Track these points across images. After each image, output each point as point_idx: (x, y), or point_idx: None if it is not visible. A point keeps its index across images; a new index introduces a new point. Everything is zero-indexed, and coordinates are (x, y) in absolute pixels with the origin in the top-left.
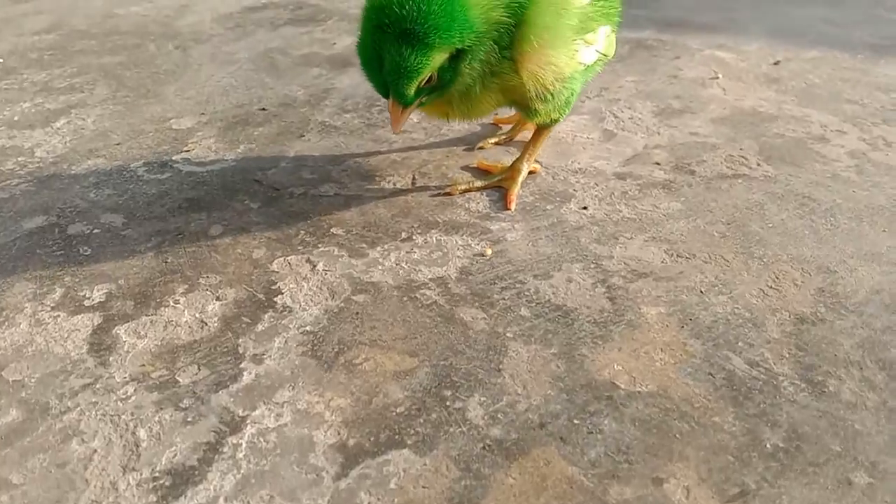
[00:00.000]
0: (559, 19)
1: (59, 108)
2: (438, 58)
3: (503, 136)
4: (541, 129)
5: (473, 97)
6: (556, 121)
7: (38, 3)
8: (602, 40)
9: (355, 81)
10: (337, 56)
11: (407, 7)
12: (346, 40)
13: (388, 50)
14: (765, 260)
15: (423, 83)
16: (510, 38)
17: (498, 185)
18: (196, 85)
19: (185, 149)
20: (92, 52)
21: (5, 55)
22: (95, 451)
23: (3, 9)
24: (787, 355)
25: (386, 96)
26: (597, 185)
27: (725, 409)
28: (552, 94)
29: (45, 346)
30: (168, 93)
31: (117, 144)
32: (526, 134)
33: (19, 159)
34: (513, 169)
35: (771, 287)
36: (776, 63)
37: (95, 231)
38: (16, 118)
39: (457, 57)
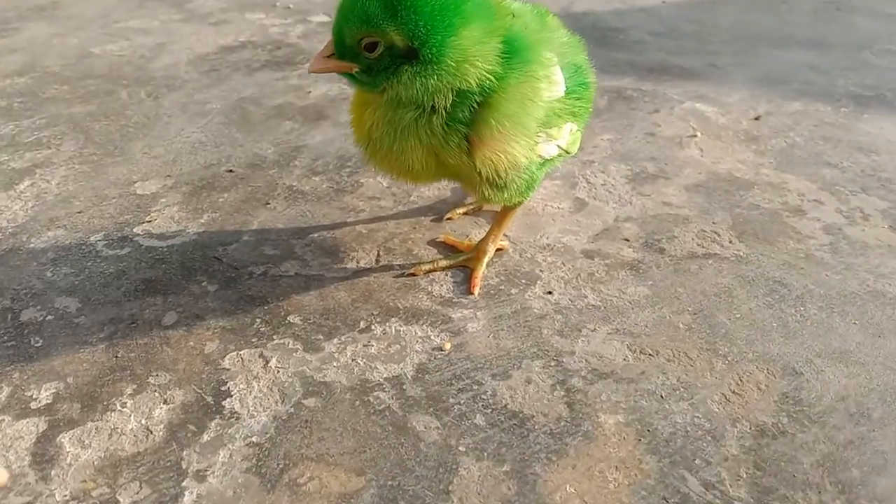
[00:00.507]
0: (525, 110)
1: (25, 167)
2: (396, 35)
3: (472, 206)
4: (507, 209)
5: (404, 148)
6: (520, 203)
7: (12, 40)
8: (566, 136)
9: (327, 137)
10: (310, 107)
11: None
12: (322, 88)
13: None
14: (729, 358)
15: (366, 46)
16: (469, 114)
17: (463, 264)
18: (165, 141)
19: (148, 219)
20: (63, 99)
21: None
22: None
23: None
24: (745, 475)
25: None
26: (564, 264)
27: None
28: (504, 183)
29: None
30: (135, 150)
31: (79, 212)
32: (495, 205)
33: None
34: (478, 250)
35: (734, 392)
36: (757, 118)
37: (49, 318)
38: None
39: (408, 58)
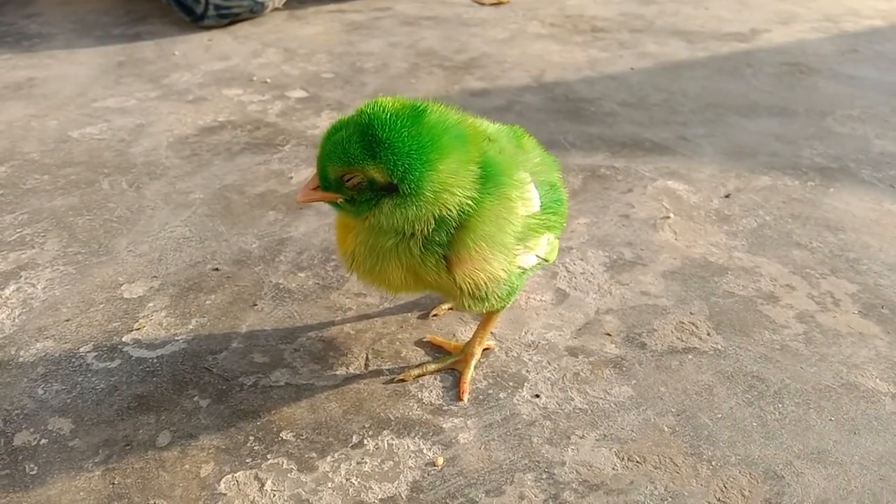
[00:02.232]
0: (501, 229)
1: (9, 269)
2: (376, 172)
3: None
4: (491, 313)
5: (385, 268)
6: (502, 308)
7: None
8: (544, 247)
9: (311, 228)
10: (293, 195)
11: (390, 122)
12: (303, 173)
13: (347, 133)
14: (713, 463)
15: (348, 180)
16: (446, 237)
17: (452, 367)
18: (149, 237)
19: (136, 326)
20: (44, 191)
21: None
22: None
23: None
24: None
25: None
26: (549, 363)
27: None
28: (485, 294)
29: None
30: (120, 248)
31: (67, 321)
32: None
33: None
34: (465, 353)
35: (719, 500)
36: (727, 196)
37: (42, 441)
38: None
39: (388, 190)
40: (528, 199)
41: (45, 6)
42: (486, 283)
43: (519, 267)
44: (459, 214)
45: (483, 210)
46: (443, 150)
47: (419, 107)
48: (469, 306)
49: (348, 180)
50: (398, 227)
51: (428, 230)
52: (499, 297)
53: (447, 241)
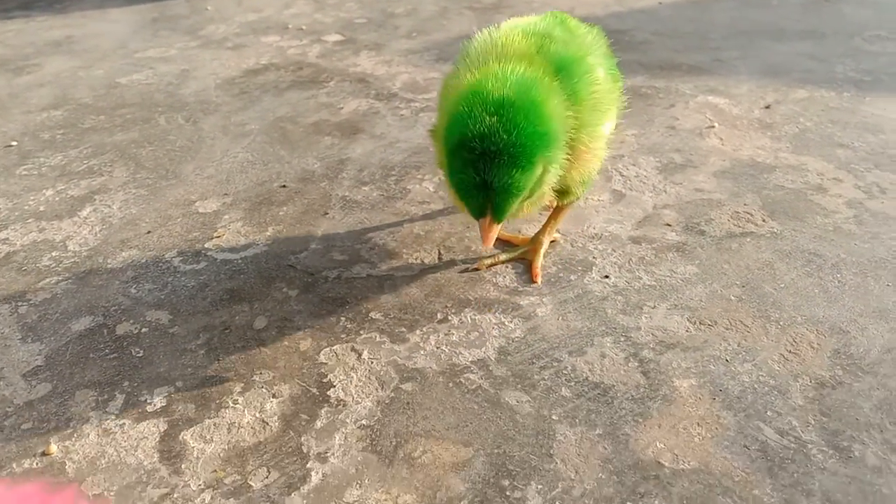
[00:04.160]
0: (597, 117)
1: (83, 194)
2: (539, 172)
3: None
4: (562, 207)
5: (535, 197)
6: (577, 199)
7: (38, 76)
8: (614, 119)
9: (367, 150)
10: (346, 122)
11: (514, 132)
12: (352, 104)
13: (497, 174)
14: (781, 323)
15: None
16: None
17: (521, 257)
18: (213, 161)
19: (216, 235)
20: (103, 128)
21: (18, 137)
22: None
23: (5, 83)
24: (813, 422)
25: (480, 216)
26: (614, 251)
27: (763, 480)
28: (591, 178)
29: (118, 456)
30: (187, 172)
31: (148, 233)
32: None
33: (53, 254)
34: (535, 242)
35: (790, 352)
36: (767, 107)
37: (144, 330)
38: (41, 208)
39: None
40: (601, 78)
41: None
42: (594, 169)
43: (607, 142)
44: (574, 118)
45: (582, 106)
46: (553, 115)
47: (525, 86)
48: (576, 195)
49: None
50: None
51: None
52: (584, 184)
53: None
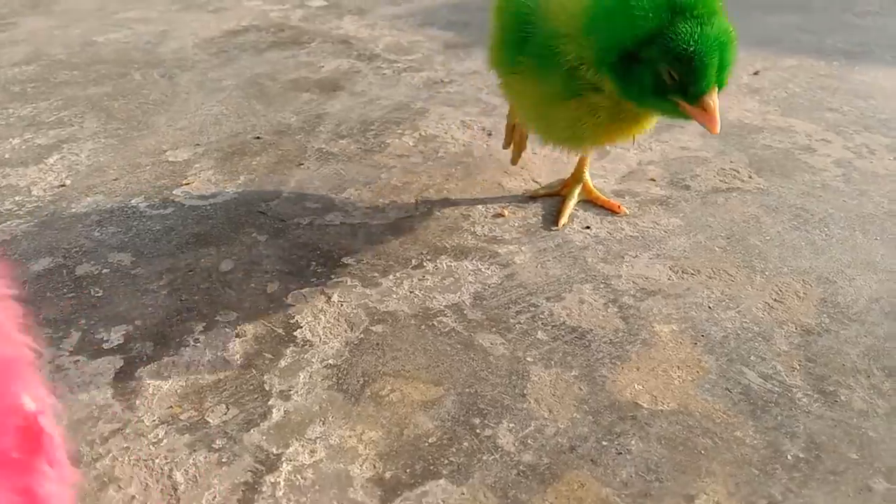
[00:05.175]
0: None
1: (51, 143)
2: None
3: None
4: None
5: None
6: None
7: (12, 33)
8: None
9: (346, 106)
10: (326, 80)
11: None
12: (333, 63)
13: (724, 26)
14: (766, 273)
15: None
16: None
17: (556, 193)
18: (187, 114)
19: (185, 182)
20: (76, 83)
21: None
22: (133, 497)
23: None
24: (798, 367)
25: (713, 82)
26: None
27: (745, 423)
28: None
29: (69, 392)
30: (159, 123)
31: (115, 180)
32: None
33: (16, 199)
34: (573, 180)
35: (775, 300)
36: (756, 73)
37: (105, 271)
38: (6, 155)
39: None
40: None
41: None
42: None
43: None
44: None
45: None
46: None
47: None
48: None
49: None
50: None
51: None
52: None
53: None
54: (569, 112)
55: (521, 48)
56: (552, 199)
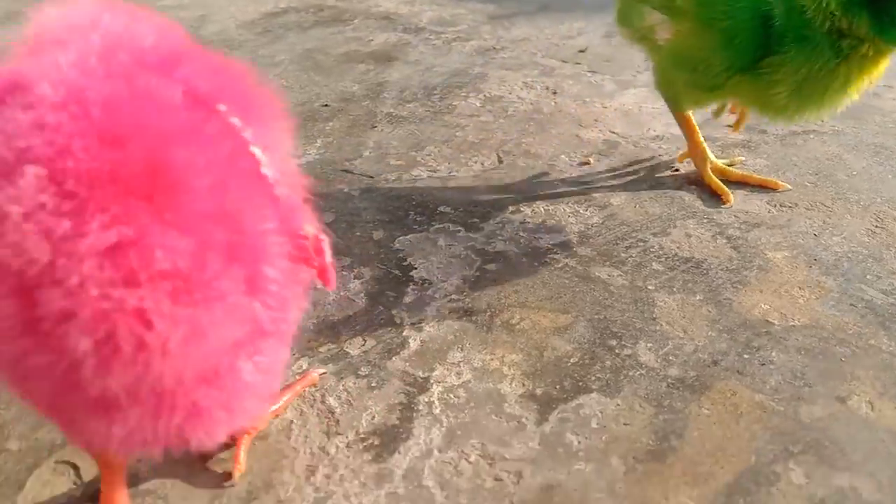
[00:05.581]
0: None
1: None
2: None
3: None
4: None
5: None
6: None
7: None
8: None
9: (405, 74)
10: (378, 52)
11: None
12: (381, 37)
13: None
14: (862, 203)
15: None
16: None
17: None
18: None
19: None
20: None
21: None
22: (292, 422)
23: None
24: None
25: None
26: (679, 148)
27: (877, 332)
28: None
29: None
30: None
31: None
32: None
33: None
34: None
35: (877, 226)
36: None
37: None
38: None
39: None
40: None
41: None
42: None
43: None
44: None
45: None
46: None
47: None
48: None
49: None
50: None
51: None
52: None
53: None
54: (839, 80)
55: (766, 46)
56: (633, 146)
